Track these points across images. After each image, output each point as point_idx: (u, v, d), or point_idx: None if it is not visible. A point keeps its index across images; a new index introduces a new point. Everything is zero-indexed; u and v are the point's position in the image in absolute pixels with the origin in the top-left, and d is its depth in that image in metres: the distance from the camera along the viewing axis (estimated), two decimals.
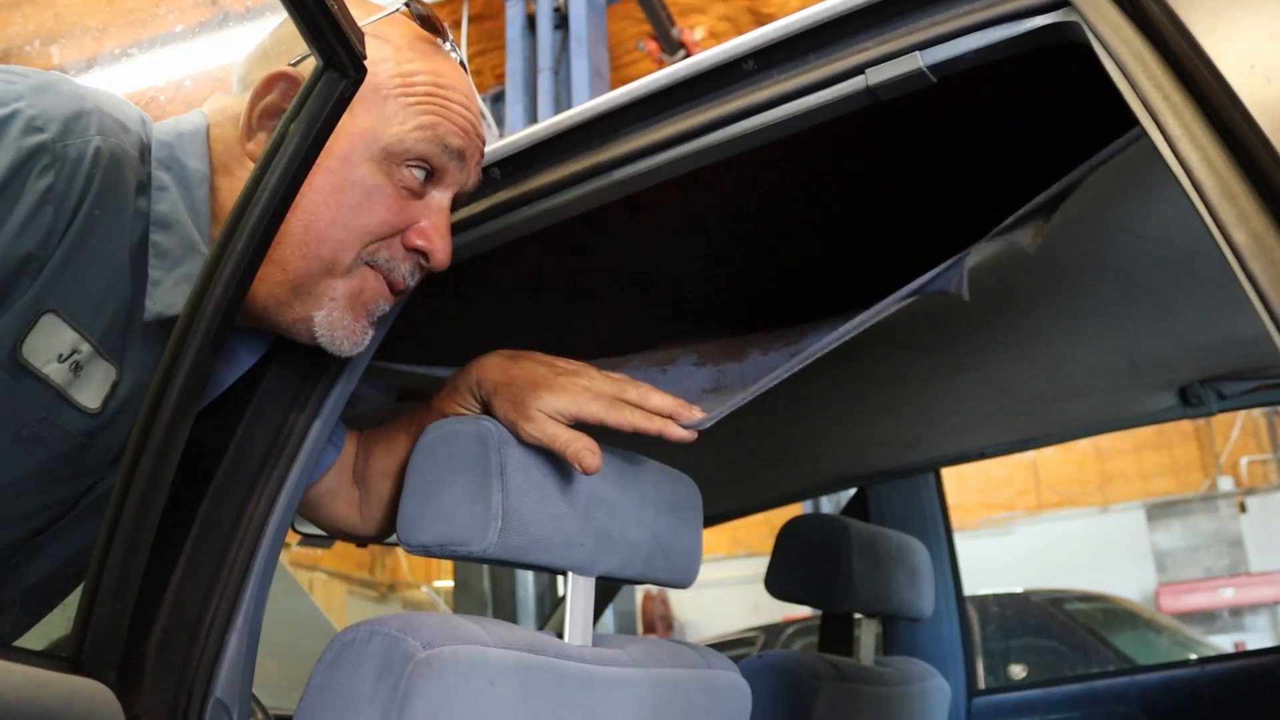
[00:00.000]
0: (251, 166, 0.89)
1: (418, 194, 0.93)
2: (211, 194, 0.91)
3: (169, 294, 0.87)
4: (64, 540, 0.94)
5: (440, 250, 0.94)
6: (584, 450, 0.89)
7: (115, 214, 0.85)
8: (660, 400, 0.94)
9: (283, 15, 0.80)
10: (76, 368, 0.85)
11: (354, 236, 0.90)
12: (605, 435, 1.05)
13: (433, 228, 0.94)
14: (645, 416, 0.93)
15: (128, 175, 0.86)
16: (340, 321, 0.92)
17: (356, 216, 0.90)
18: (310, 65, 0.79)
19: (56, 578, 0.98)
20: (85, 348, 0.85)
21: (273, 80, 0.90)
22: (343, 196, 0.89)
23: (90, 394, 0.87)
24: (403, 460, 1.03)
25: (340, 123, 0.84)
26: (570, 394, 0.92)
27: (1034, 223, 0.96)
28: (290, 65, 0.90)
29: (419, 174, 0.92)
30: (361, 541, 1.14)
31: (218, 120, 0.94)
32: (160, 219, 0.88)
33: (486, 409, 0.98)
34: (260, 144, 0.90)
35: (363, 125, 0.89)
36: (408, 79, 0.91)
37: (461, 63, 0.98)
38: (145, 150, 0.89)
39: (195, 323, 0.79)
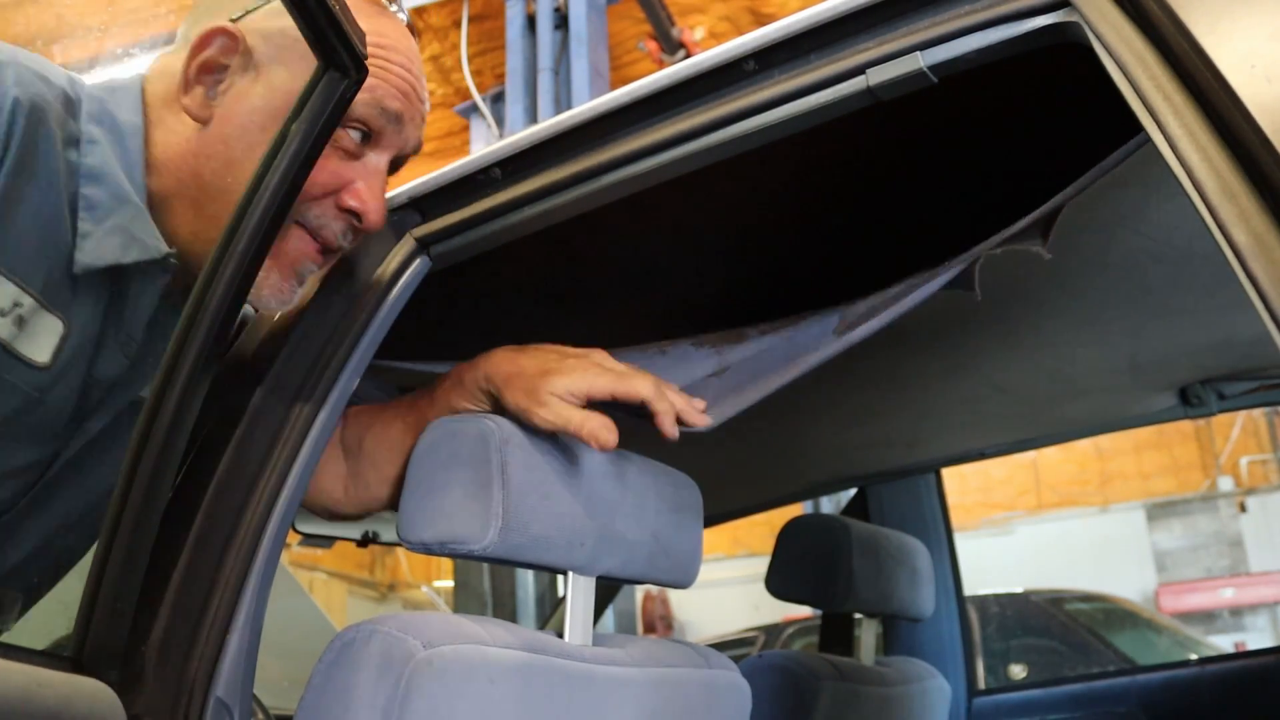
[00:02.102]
0: (188, 121, 0.90)
1: (353, 155, 0.93)
2: (146, 147, 0.91)
3: (99, 245, 0.87)
4: (38, 519, 0.94)
5: (373, 211, 0.94)
6: (600, 428, 0.88)
7: (44, 166, 0.84)
8: (673, 394, 0.93)
9: (283, 14, 0.80)
10: (20, 321, 0.84)
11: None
12: None
13: (367, 189, 0.94)
14: (655, 391, 0.92)
15: (52, 127, 0.85)
16: (268, 281, 0.92)
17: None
18: (253, 20, 0.81)
19: (36, 562, 0.97)
20: (27, 301, 0.84)
21: (210, 35, 0.90)
22: None
23: (38, 348, 0.86)
24: (395, 444, 1.02)
25: (277, 80, 0.86)
26: (579, 373, 0.92)
27: (1040, 228, 0.96)
28: (230, 20, 0.90)
29: (355, 135, 0.92)
30: (340, 518, 1.13)
31: (155, 76, 0.94)
32: (90, 171, 0.87)
33: (496, 404, 0.97)
34: (196, 99, 0.90)
35: (299, 84, 0.88)
36: None
37: (410, 25, 0.98)
38: (73, 105, 0.89)
39: (196, 324, 0.79)
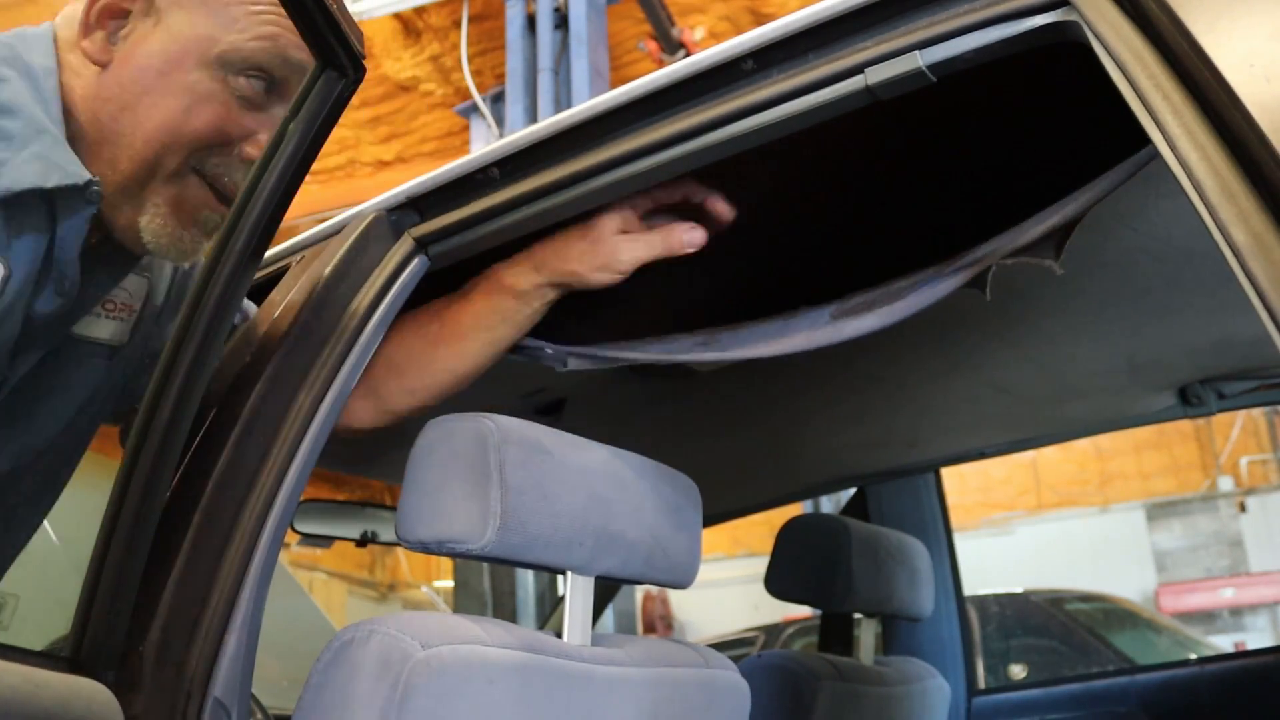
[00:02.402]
0: (90, 65, 0.91)
1: (256, 105, 0.93)
2: (61, 89, 0.91)
3: (18, 170, 0.86)
4: None
5: None
6: (683, 229, 0.97)
7: None
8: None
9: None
10: None
11: (180, 140, 0.90)
12: (605, 435, 1.05)
13: (269, 139, 0.93)
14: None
15: None
16: (164, 228, 0.92)
17: (184, 121, 0.90)
18: None
19: None
20: None
21: None
22: (172, 99, 0.89)
23: None
24: (420, 355, 1.06)
25: (177, 26, 0.87)
26: (614, 219, 0.98)
27: (1055, 241, 0.96)
28: None
29: (258, 84, 0.92)
30: (357, 433, 1.13)
31: (65, 21, 0.94)
32: (3, 106, 0.87)
33: (555, 281, 1.01)
34: (96, 42, 0.91)
35: (200, 30, 0.89)
36: None
37: None
38: None
39: (195, 320, 0.79)
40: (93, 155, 0.90)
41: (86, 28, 0.91)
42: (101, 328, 1.01)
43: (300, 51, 0.91)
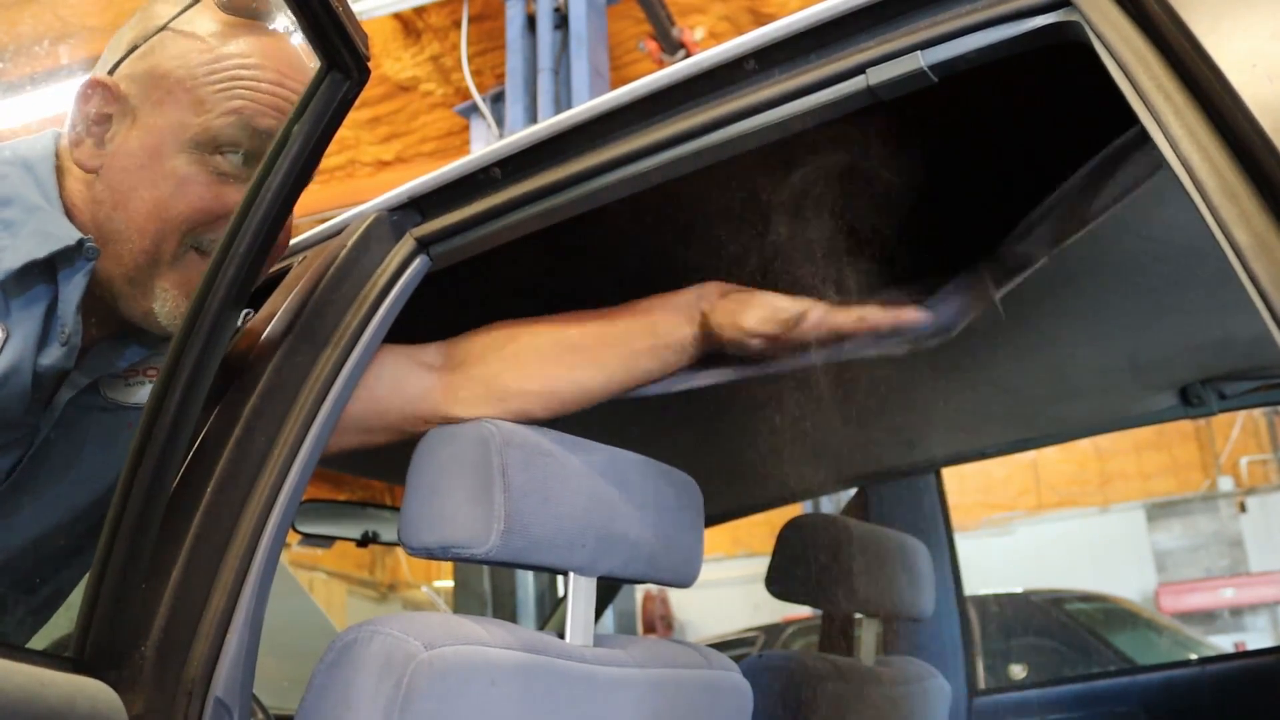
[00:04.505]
0: (81, 173, 0.96)
1: (237, 178, 0.96)
2: (65, 193, 0.96)
3: (16, 251, 0.91)
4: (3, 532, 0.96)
5: None
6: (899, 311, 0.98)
7: None
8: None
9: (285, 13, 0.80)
10: None
11: (171, 226, 0.94)
12: (605, 435, 1.05)
13: None
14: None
15: None
16: (179, 309, 0.95)
17: (171, 207, 0.94)
18: (125, 67, 0.88)
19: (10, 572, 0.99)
20: None
21: (88, 89, 0.95)
22: (156, 190, 0.93)
23: None
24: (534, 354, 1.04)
25: (151, 120, 0.91)
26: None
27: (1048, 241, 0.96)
28: (107, 73, 0.95)
29: (234, 158, 0.95)
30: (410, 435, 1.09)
31: (67, 129, 0.99)
32: (2, 199, 0.93)
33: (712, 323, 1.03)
34: (86, 151, 0.96)
35: (172, 119, 0.93)
36: (213, 66, 0.94)
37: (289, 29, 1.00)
38: None
39: (198, 325, 0.79)
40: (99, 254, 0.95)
41: (76, 139, 0.96)
42: (143, 394, 1.04)
43: (266, 118, 0.95)
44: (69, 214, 0.95)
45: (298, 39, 1.00)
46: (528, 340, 1.05)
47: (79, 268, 0.93)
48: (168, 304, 0.95)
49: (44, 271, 0.92)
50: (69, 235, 0.92)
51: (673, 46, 6.20)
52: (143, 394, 1.04)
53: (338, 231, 1.12)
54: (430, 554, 0.89)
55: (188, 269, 0.96)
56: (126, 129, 0.95)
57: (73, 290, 0.93)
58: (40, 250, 0.91)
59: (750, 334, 0.99)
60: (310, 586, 11.33)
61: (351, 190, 7.39)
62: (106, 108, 0.95)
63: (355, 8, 0.80)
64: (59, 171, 0.97)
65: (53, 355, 0.94)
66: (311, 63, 0.96)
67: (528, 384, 1.02)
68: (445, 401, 1.03)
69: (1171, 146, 0.67)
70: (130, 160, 0.94)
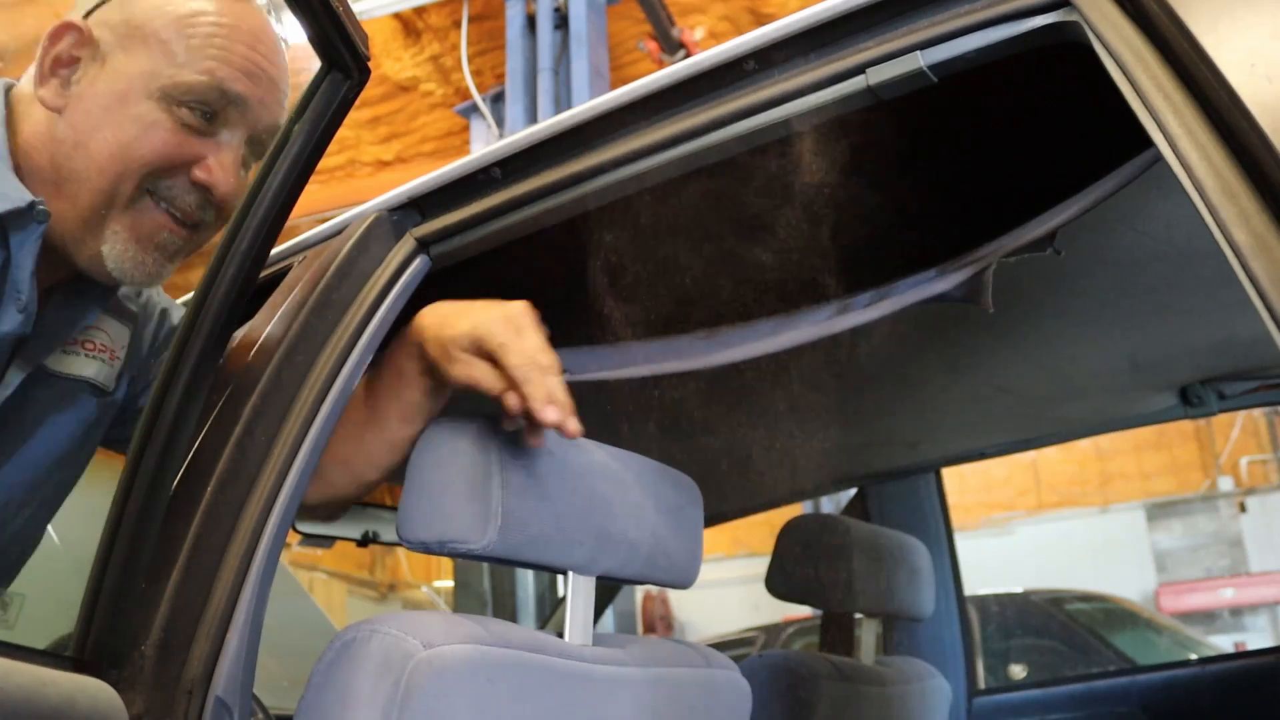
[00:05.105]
0: (46, 111, 0.97)
1: (202, 131, 0.97)
2: (12, 137, 0.97)
3: None
4: None
5: (222, 184, 0.98)
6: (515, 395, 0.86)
7: None
8: (558, 394, 0.87)
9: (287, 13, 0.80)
10: None
11: (131, 168, 0.95)
12: (605, 435, 1.05)
13: (217, 164, 0.97)
14: (540, 377, 0.87)
15: None
16: (126, 253, 0.96)
17: (134, 149, 0.95)
18: (102, 13, 0.89)
19: None
20: None
21: (60, 31, 0.96)
22: (121, 132, 0.94)
23: None
24: (351, 434, 1.05)
25: (122, 65, 0.93)
26: (481, 317, 0.92)
27: (1048, 234, 0.96)
28: (81, 17, 0.96)
29: (198, 113, 0.96)
30: (305, 511, 1.13)
31: (21, 78, 1.00)
32: None
33: (422, 354, 0.98)
34: (51, 90, 0.96)
35: (143, 67, 0.95)
36: (189, 21, 0.95)
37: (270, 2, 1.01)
38: None
39: (199, 321, 0.79)
40: (53, 193, 0.96)
41: (42, 77, 0.97)
42: (84, 365, 1.05)
43: (238, 84, 0.96)
44: (25, 155, 0.96)
45: (267, 9, 1.01)
46: (344, 423, 1.05)
47: (31, 231, 0.94)
48: (117, 247, 0.96)
49: None
50: (20, 197, 0.93)
51: (673, 46, 6.20)
52: (86, 366, 1.05)
53: (338, 231, 1.12)
54: (427, 549, 0.89)
55: (141, 214, 0.97)
56: (95, 72, 0.96)
57: (26, 256, 0.94)
58: None
59: (454, 344, 0.94)
60: (310, 586, 11.34)
61: (351, 190, 7.40)
62: (76, 50, 0.96)
63: (355, 8, 0.80)
64: (11, 121, 0.98)
65: (10, 321, 0.95)
66: (282, 37, 0.99)
67: (357, 464, 1.06)
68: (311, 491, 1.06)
69: (1171, 146, 0.67)
70: (95, 103, 0.95)
